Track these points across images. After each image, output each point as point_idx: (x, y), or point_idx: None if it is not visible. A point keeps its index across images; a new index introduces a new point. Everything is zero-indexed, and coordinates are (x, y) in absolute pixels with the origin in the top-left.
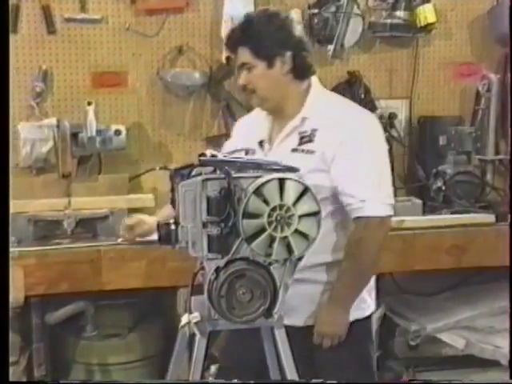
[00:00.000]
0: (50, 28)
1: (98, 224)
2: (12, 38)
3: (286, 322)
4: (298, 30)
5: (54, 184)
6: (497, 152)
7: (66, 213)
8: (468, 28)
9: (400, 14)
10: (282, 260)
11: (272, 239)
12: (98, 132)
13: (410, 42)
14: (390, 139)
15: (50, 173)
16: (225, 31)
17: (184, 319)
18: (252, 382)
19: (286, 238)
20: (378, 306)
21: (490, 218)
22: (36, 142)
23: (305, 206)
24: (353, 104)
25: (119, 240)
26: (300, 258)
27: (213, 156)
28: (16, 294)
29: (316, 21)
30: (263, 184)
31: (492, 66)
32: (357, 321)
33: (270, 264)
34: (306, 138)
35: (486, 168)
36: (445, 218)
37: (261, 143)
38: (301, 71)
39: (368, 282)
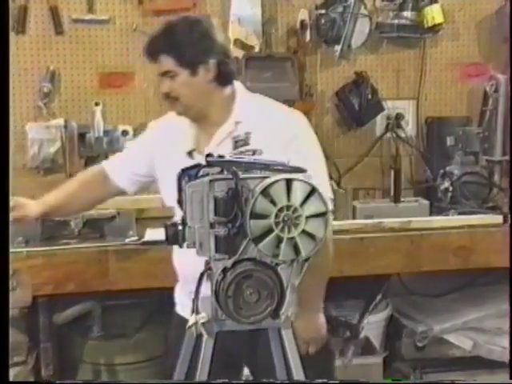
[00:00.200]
0: (58, 29)
1: (105, 224)
2: (20, 38)
3: None
4: (221, 36)
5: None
6: (504, 153)
7: None
8: (476, 28)
9: (407, 14)
10: (289, 261)
11: (279, 240)
12: (106, 132)
13: (418, 42)
14: (397, 140)
15: (57, 173)
16: (232, 32)
17: (191, 320)
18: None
19: (293, 238)
20: (385, 306)
21: (497, 218)
22: (43, 143)
23: (312, 207)
24: (280, 104)
25: None
26: (307, 259)
27: (220, 156)
28: (23, 294)
29: (323, 21)
30: (270, 184)
31: (500, 67)
32: None
33: (277, 265)
34: (240, 142)
35: (493, 169)
36: (452, 219)
37: (190, 153)
38: (224, 78)
39: (329, 277)
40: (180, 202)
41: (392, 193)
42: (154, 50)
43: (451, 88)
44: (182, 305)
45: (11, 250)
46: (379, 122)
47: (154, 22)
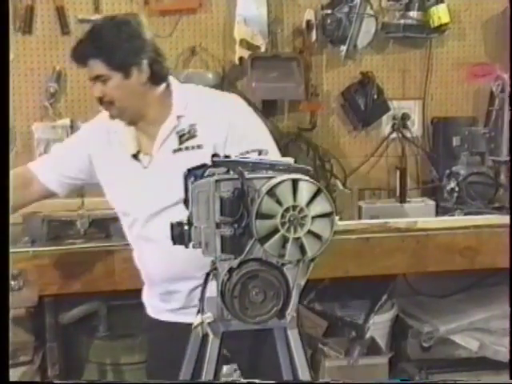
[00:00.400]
0: (64, 29)
1: (111, 224)
2: (26, 39)
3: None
4: (149, 34)
5: None
6: (511, 153)
7: (79, 213)
8: (482, 28)
9: (413, 14)
10: (295, 261)
11: (285, 240)
12: None
13: (424, 42)
14: (402, 140)
15: None
16: (238, 32)
17: (197, 320)
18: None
19: (299, 238)
20: (390, 307)
21: (503, 219)
22: (50, 143)
23: (318, 207)
24: (214, 90)
25: None
26: (313, 259)
27: (226, 157)
28: (30, 293)
29: (329, 21)
30: (276, 185)
31: (506, 67)
32: None
33: (283, 265)
34: (185, 136)
35: (499, 169)
36: (458, 219)
37: (135, 156)
38: (159, 77)
39: None
40: (186, 201)
41: (398, 193)
42: (81, 55)
43: (457, 88)
44: (153, 307)
45: (18, 249)
46: (385, 122)
47: (160, 23)
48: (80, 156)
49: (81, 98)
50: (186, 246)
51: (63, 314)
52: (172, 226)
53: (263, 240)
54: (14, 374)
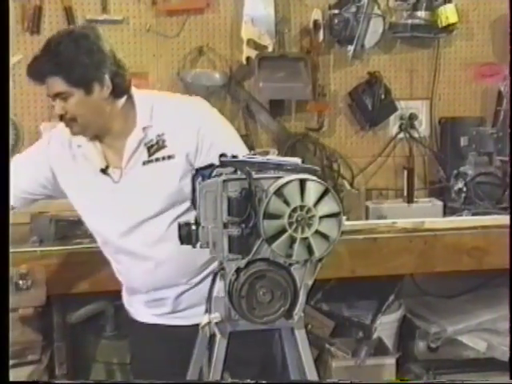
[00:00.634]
0: None
1: None
2: (34, 39)
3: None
4: (108, 46)
5: None
6: (511, 153)
7: None
8: (490, 28)
9: (421, 14)
10: (303, 261)
11: (292, 240)
12: None
13: (431, 42)
14: (410, 140)
15: None
16: (245, 32)
17: (204, 319)
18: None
19: (306, 238)
20: (398, 307)
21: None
22: None
23: (325, 207)
24: (177, 94)
25: None
26: (320, 259)
27: (233, 157)
28: (38, 293)
29: (336, 21)
30: (284, 185)
31: None
32: None
33: (290, 265)
34: (154, 147)
35: (507, 169)
36: (466, 220)
37: (104, 171)
38: (121, 90)
39: None
40: (193, 201)
41: (405, 193)
42: (39, 72)
43: (465, 88)
44: (136, 309)
45: (26, 249)
46: (392, 122)
47: (167, 23)
48: (41, 172)
49: None
50: (194, 246)
51: (71, 314)
52: (179, 226)
53: (271, 240)
54: (22, 373)
